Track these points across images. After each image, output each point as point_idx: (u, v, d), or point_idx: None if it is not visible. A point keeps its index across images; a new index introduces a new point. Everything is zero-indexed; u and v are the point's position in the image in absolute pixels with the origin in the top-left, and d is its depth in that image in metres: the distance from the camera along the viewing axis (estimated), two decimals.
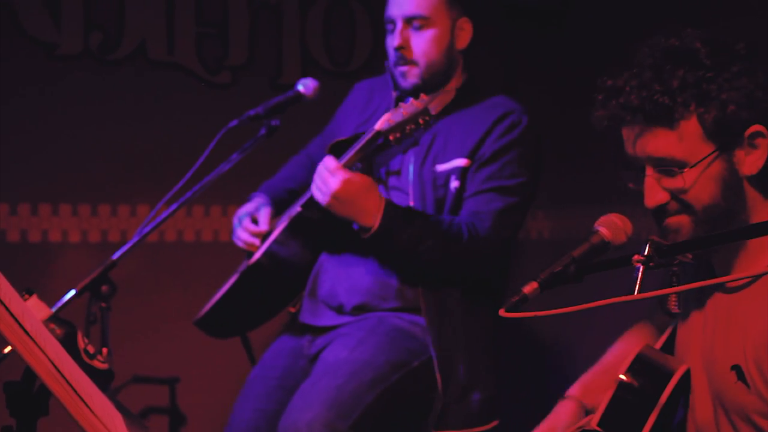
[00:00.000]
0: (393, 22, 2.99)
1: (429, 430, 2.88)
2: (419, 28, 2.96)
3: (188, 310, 3.20)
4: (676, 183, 1.95)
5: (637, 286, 1.70)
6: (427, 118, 2.76)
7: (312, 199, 2.88)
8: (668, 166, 1.95)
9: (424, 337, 2.91)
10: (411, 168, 2.97)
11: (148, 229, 2.77)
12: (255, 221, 3.12)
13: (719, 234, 1.88)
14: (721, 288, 2.02)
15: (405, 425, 2.95)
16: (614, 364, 2.19)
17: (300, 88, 3.01)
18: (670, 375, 2.03)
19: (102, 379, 1.89)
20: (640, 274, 1.71)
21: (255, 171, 3.32)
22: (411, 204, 2.94)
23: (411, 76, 2.98)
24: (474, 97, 3.03)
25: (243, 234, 3.10)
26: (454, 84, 3.03)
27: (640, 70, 1.97)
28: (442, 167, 2.94)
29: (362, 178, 2.79)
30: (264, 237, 3.05)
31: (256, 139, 2.92)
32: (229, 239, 4.04)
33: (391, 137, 2.73)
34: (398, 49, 2.96)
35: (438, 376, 2.86)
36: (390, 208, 2.79)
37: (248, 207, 3.16)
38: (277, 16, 4.21)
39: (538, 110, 4.40)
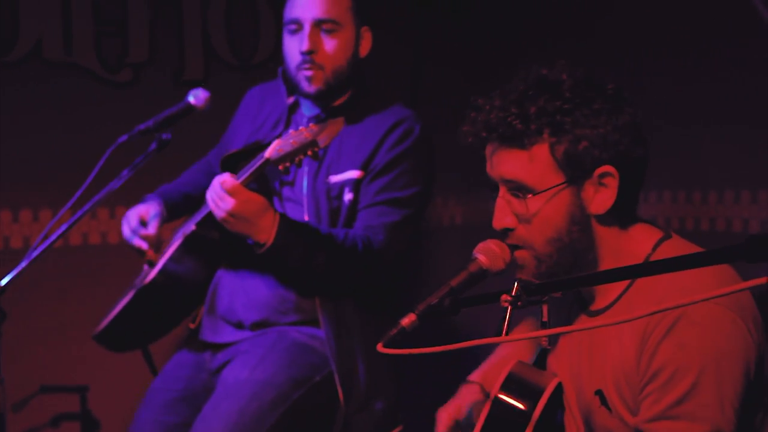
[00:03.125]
0: (299, 23, 2.94)
1: None
2: (329, 33, 2.93)
3: (95, 316, 3.16)
4: (521, 208, 1.98)
5: (505, 326, 1.70)
6: (315, 149, 2.70)
7: (207, 217, 2.85)
8: (517, 190, 1.98)
9: (324, 350, 2.90)
10: (305, 179, 2.95)
11: (35, 253, 2.71)
12: (143, 223, 3.07)
13: (591, 274, 1.90)
14: (586, 312, 2.07)
15: None
16: (508, 354, 2.31)
17: (191, 99, 2.95)
18: (542, 391, 2.05)
19: None
20: (508, 314, 1.71)
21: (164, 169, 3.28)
22: (306, 216, 2.92)
23: (316, 81, 2.94)
24: (369, 106, 3.00)
25: (129, 235, 3.05)
26: (350, 92, 3.00)
27: (507, 93, 2.00)
28: (335, 178, 2.93)
29: (259, 199, 2.75)
30: (154, 245, 3.00)
31: (146, 154, 2.86)
32: (118, 241, 4.00)
33: (280, 167, 2.69)
34: (307, 53, 2.91)
35: (339, 388, 2.86)
36: (283, 225, 2.77)
37: (138, 208, 3.11)
38: (177, 10, 4.13)
39: (448, 94, 4.45)
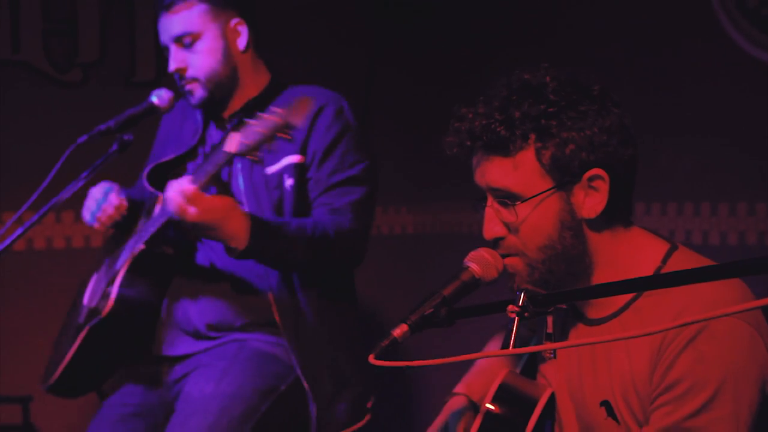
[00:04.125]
0: (165, 47, 2.92)
1: None
2: (190, 45, 2.88)
3: (37, 324, 3.05)
4: (510, 216, 1.93)
5: (513, 338, 1.64)
6: (288, 131, 2.59)
7: (157, 234, 2.76)
8: (504, 198, 1.93)
9: (288, 358, 2.83)
10: (240, 177, 2.88)
11: None
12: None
13: (603, 285, 1.85)
14: (582, 319, 2.02)
15: None
16: (490, 364, 2.26)
17: (154, 99, 2.87)
18: (535, 402, 2.01)
19: None
20: (515, 326, 1.65)
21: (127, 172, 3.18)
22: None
23: (196, 92, 2.91)
24: (284, 98, 2.91)
25: (92, 203, 2.96)
26: (253, 87, 2.95)
27: (490, 100, 1.95)
28: (272, 169, 2.86)
29: (221, 204, 2.66)
30: (109, 282, 2.87)
31: (107, 156, 2.77)
32: (83, 245, 3.89)
33: (250, 157, 2.60)
34: (175, 72, 2.89)
35: (308, 393, 2.79)
36: (255, 227, 2.68)
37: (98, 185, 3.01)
38: (129, 10, 4.03)
39: (399, 100, 4.41)
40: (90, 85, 3.97)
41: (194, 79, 2.89)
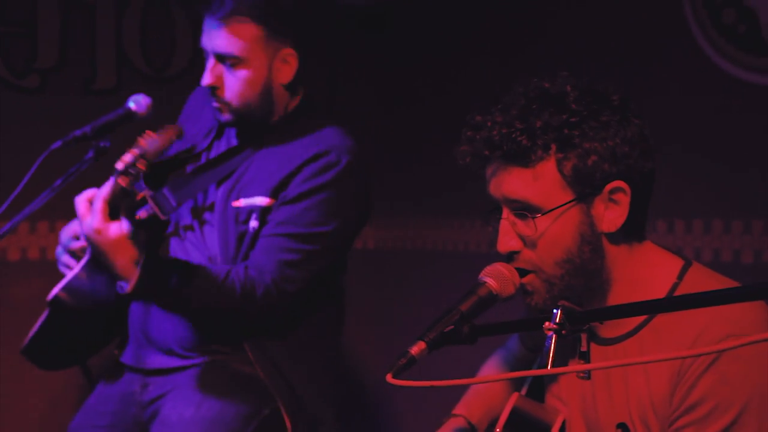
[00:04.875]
0: (205, 52, 2.75)
1: None
2: (232, 67, 2.71)
3: (10, 337, 2.94)
4: (528, 229, 1.87)
5: (551, 357, 1.57)
6: (143, 161, 2.39)
7: None
8: (522, 210, 1.87)
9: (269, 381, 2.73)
10: (217, 202, 2.78)
11: None
12: (78, 238, 2.77)
13: (636, 304, 1.79)
14: (594, 339, 1.96)
15: None
16: (488, 385, 2.22)
17: (131, 105, 2.75)
18: (548, 428, 1.97)
19: None
20: (553, 343, 1.59)
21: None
22: (216, 241, 2.74)
23: (225, 113, 2.76)
24: (298, 129, 2.80)
25: (62, 256, 2.79)
26: (283, 112, 2.81)
27: (507, 108, 1.88)
28: (242, 202, 2.73)
29: (115, 234, 2.42)
30: None
31: (82, 163, 2.64)
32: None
33: (121, 182, 2.39)
34: (210, 87, 2.73)
35: (287, 420, 2.70)
36: (145, 273, 2.47)
37: (71, 223, 2.80)
38: (90, 15, 3.91)
39: (361, 112, 4.35)
40: (48, 92, 3.84)
41: (227, 103, 2.74)
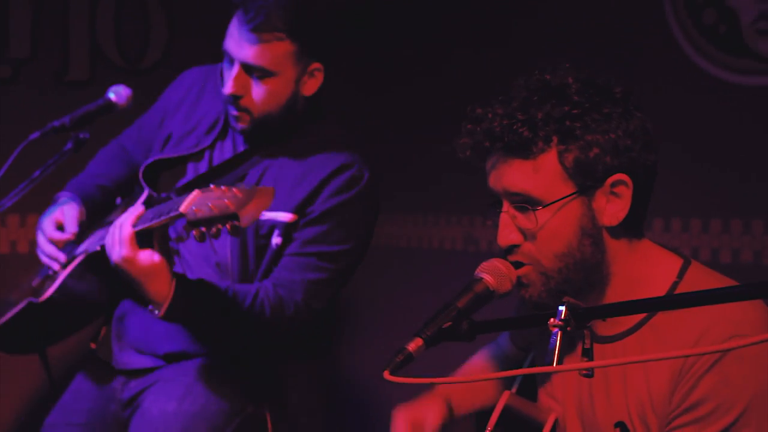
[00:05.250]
0: (231, 58, 2.64)
1: None
2: (260, 78, 2.62)
3: None
4: (529, 222, 1.85)
5: (556, 354, 1.55)
6: (236, 223, 2.18)
7: None
8: (523, 203, 1.85)
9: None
10: None
11: None
12: (61, 227, 2.73)
13: (640, 301, 1.76)
14: (593, 336, 1.92)
15: None
16: (474, 369, 2.22)
17: (111, 96, 2.70)
18: (540, 426, 1.94)
19: None
20: (558, 340, 1.56)
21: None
22: (228, 253, 2.67)
23: (242, 122, 2.67)
24: (310, 137, 2.73)
25: (47, 246, 2.73)
26: (296, 119, 2.73)
27: (508, 100, 1.86)
28: (265, 215, 2.62)
29: (147, 262, 2.39)
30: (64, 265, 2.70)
31: (61, 154, 2.59)
32: (28, 250, 3.67)
33: (194, 233, 2.22)
34: (232, 96, 2.63)
35: (268, 420, 2.67)
36: (178, 296, 2.43)
37: (52, 212, 2.77)
38: (63, 5, 3.85)
39: (341, 108, 4.29)
40: (19, 83, 3.78)
41: (247, 111, 2.64)
